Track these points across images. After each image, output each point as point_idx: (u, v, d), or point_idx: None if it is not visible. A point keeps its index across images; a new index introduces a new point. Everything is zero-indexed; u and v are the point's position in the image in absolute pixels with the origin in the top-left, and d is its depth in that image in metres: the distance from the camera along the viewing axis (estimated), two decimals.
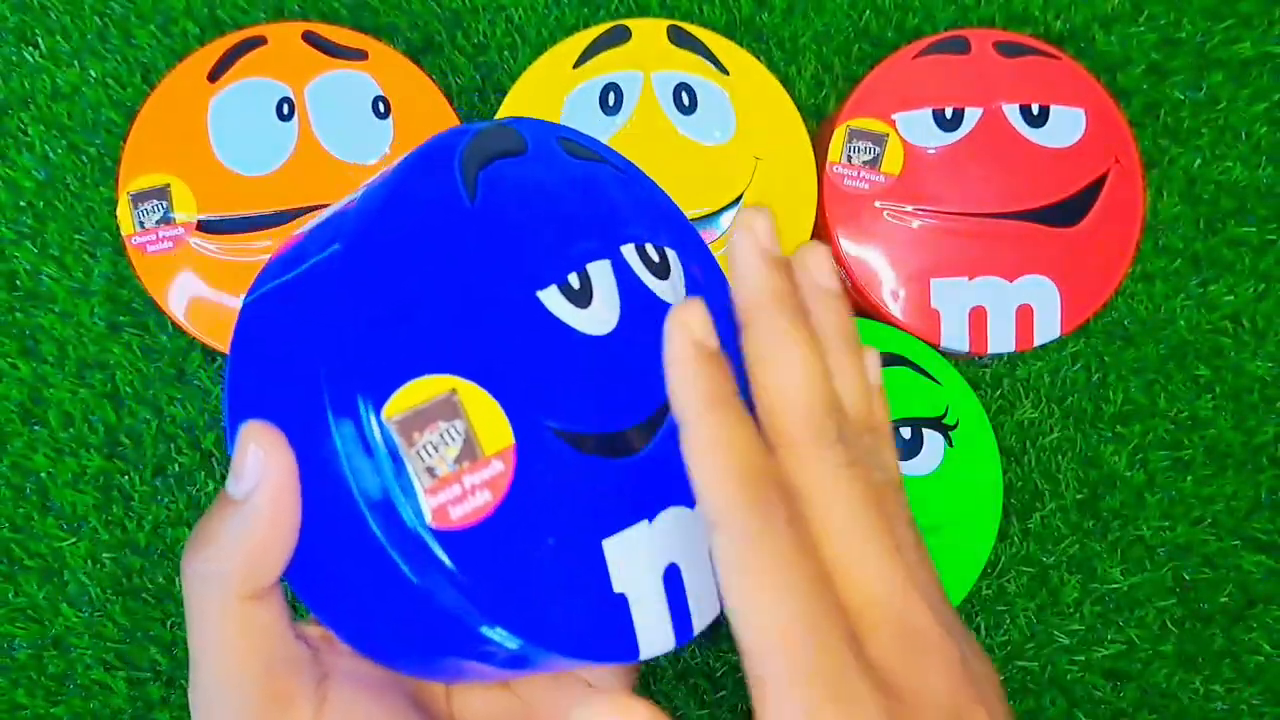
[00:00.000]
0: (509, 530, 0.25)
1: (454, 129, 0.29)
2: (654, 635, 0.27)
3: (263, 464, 0.24)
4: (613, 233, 0.30)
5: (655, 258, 0.31)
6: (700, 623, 0.28)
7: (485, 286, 0.27)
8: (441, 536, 0.24)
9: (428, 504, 0.24)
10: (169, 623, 0.52)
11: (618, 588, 0.27)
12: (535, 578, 0.25)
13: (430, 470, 0.24)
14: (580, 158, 0.31)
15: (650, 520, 0.28)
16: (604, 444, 0.28)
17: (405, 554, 0.24)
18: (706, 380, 0.25)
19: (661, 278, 0.31)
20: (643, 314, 0.30)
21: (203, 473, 0.52)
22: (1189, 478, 0.54)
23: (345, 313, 0.24)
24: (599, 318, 0.29)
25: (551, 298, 0.28)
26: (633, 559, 0.27)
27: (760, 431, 0.26)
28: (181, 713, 0.52)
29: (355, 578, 0.25)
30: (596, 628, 0.26)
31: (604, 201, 0.31)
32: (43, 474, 0.52)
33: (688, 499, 0.29)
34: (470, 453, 0.25)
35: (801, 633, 0.23)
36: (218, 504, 0.26)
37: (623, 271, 0.30)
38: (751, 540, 0.24)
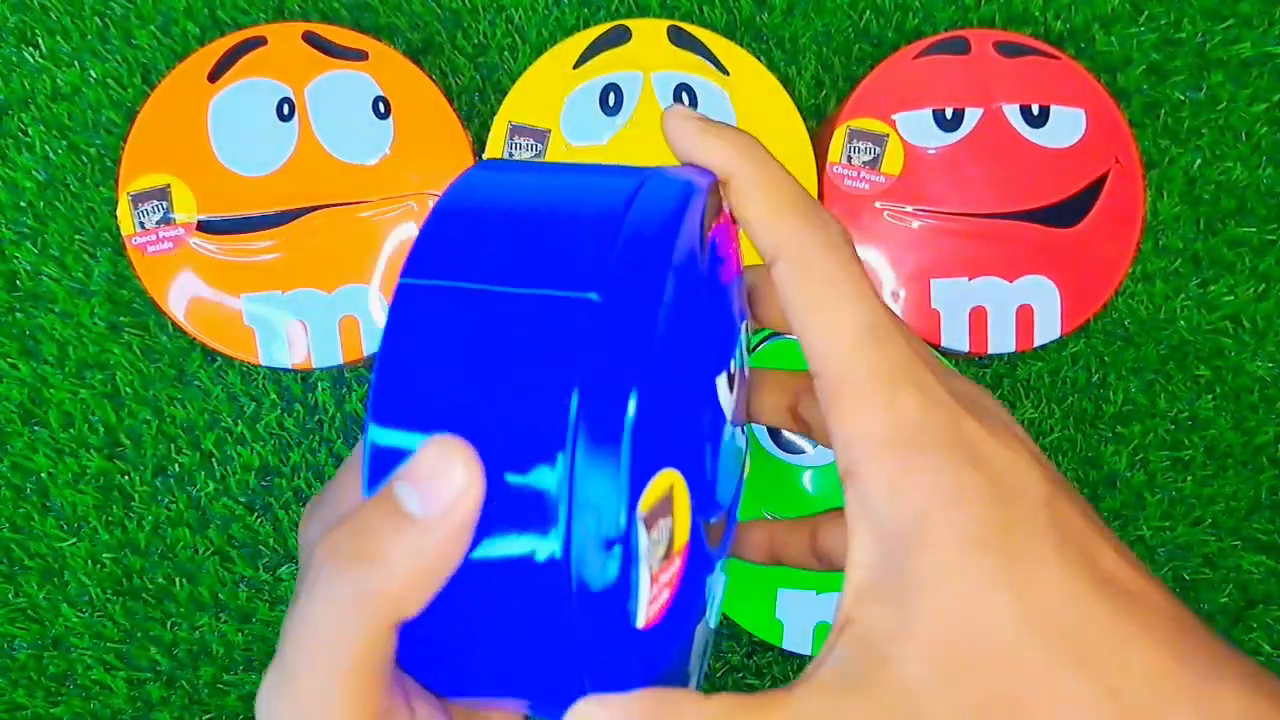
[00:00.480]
0: (666, 626, 0.24)
1: (681, 171, 0.26)
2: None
3: (461, 491, 0.22)
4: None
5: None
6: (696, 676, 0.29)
7: (697, 367, 0.25)
8: (638, 636, 0.23)
9: (645, 605, 0.23)
10: (169, 623, 0.52)
11: (690, 667, 0.27)
12: (668, 666, 0.25)
13: (650, 571, 0.23)
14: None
15: (707, 599, 0.29)
16: (710, 529, 0.28)
17: (600, 648, 0.22)
18: (736, 136, 0.27)
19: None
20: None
21: (203, 473, 0.52)
22: (1189, 478, 0.54)
23: (610, 381, 0.22)
24: (731, 404, 0.28)
25: (722, 385, 0.27)
26: (699, 637, 0.27)
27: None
28: (181, 713, 0.52)
29: (501, 646, 0.23)
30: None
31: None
32: (43, 474, 0.52)
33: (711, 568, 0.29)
34: (669, 550, 0.24)
35: (874, 332, 0.24)
36: (386, 516, 0.22)
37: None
38: (818, 254, 0.25)
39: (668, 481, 0.23)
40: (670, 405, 0.23)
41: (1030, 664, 0.22)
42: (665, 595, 0.24)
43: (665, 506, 0.23)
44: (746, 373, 0.31)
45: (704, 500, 0.26)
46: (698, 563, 0.26)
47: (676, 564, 0.24)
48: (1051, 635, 0.22)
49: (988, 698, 0.22)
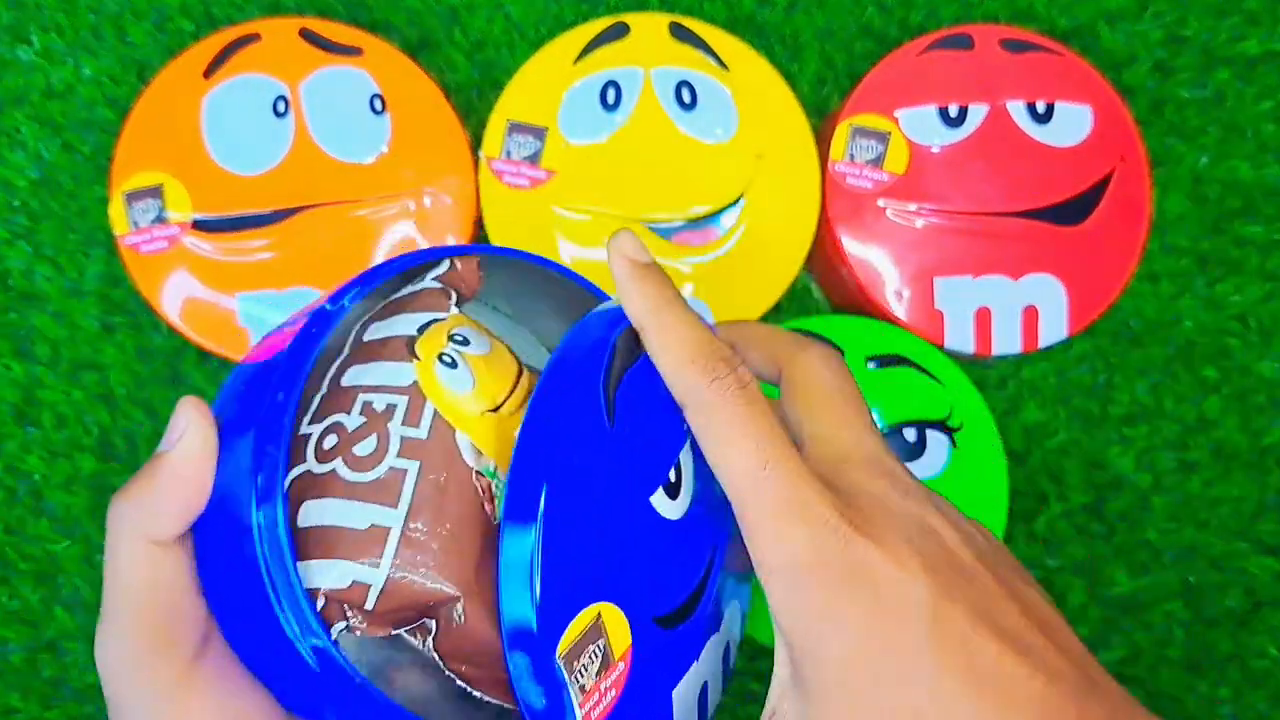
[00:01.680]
0: (621, 714, 0.28)
1: (589, 325, 0.31)
2: None
3: (188, 425, 0.29)
4: (679, 419, 0.31)
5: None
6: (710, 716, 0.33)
7: (618, 504, 0.29)
8: None
9: (582, 714, 0.27)
10: None
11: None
12: None
13: (582, 688, 0.27)
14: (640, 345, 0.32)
15: (698, 659, 0.32)
16: (679, 614, 0.31)
17: None
18: (651, 287, 0.31)
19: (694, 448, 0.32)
20: (703, 487, 0.32)
21: None
22: (1195, 480, 0.54)
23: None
24: (682, 503, 0.31)
25: (659, 499, 0.31)
26: (683, 696, 0.31)
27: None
28: None
29: None
30: None
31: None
32: (36, 476, 0.52)
33: (717, 628, 0.33)
34: (606, 663, 0.28)
35: (761, 472, 0.28)
36: (150, 460, 0.30)
37: (687, 452, 0.32)
38: (714, 404, 0.28)
39: (590, 617, 0.27)
40: (594, 548, 0.27)
41: None
42: (611, 695, 0.28)
43: (594, 634, 0.27)
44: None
45: (660, 594, 0.30)
46: (661, 642, 0.30)
47: (622, 666, 0.28)
48: None
49: None
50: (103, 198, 0.52)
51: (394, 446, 0.28)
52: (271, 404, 0.28)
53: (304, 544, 0.28)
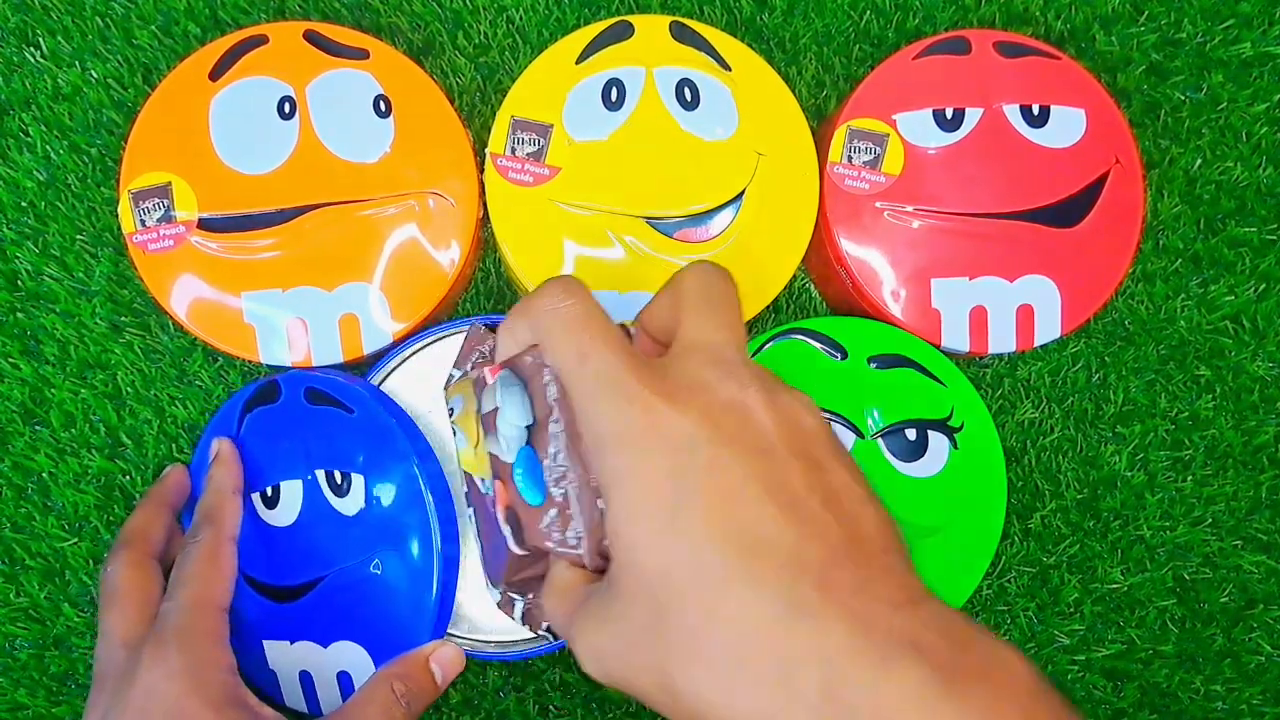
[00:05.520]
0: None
1: (243, 388, 0.51)
2: (294, 699, 0.47)
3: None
4: (311, 461, 0.47)
5: (339, 481, 0.46)
6: (326, 709, 0.47)
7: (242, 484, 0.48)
8: None
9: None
10: None
11: (270, 666, 0.47)
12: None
13: None
14: (316, 404, 0.47)
15: (324, 646, 0.47)
16: (272, 591, 0.47)
17: None
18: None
19: (340, 496, 0.46)
20: (319, 517, 0.47)
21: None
22: (1189, 478, 0.54)
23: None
24: (281, 517, 0.47)
25: (256, 500, 0.48)
26: (280, 656, 0.47)
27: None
28: None
29: None
30: (265, 679, 0.48)
31: (316, 437, 0.47)
32: (44, 474, 0.52)
33: (353, 636, 0.47)
34: None
35: (584, 364, 0.32)
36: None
37: (311, 488, 0.47)
38: (547, 327, 0.34)
39: None
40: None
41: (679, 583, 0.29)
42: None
43: None
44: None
45: (249, 563, 0.48)
46: (255, 600, 0.48)
47: None
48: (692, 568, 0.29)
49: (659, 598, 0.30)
50: (110, 199, 0.53)
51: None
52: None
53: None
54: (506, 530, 0.37)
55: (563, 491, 0.35)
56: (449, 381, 0.41)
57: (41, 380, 0.52)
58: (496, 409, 0.36)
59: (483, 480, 0.38)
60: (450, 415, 0.40)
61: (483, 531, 0.40)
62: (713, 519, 0.29)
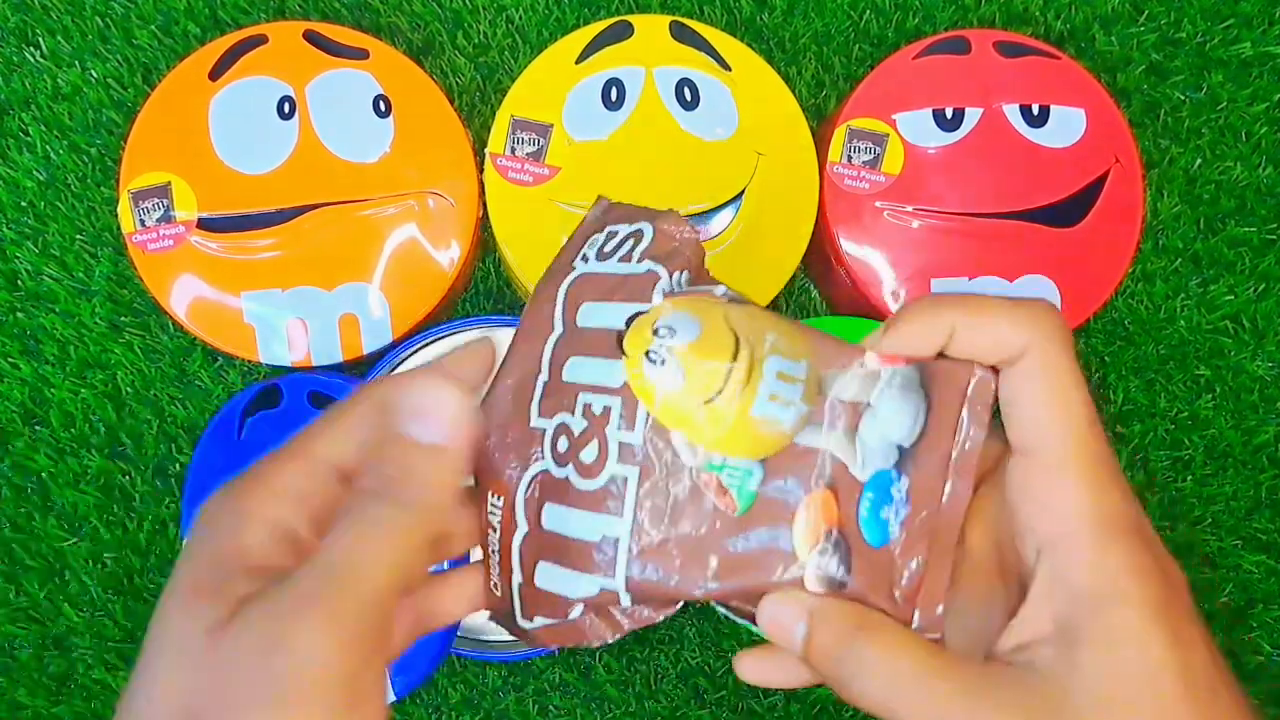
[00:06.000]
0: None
1: (243, 391, 0.49)
2: None
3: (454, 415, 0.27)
4: None
5: None
6: None
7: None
8: None
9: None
10: None
11: None
12: None
13: None
14: (320, 408, 0.46)
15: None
16: None
17: None
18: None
19: None
20: None
21: None
22: (1189, 478, 0.54)
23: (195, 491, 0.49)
24: None
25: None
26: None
27: None
28: None
29: None
30: None
31: None
32: (44, 474, 0.52)
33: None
34: None
35: (1094, 429, 0.29)
36: (399, 446, 0.26)
37: None
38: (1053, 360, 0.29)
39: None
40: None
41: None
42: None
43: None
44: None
45: None
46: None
47: None
48: (1202, 704, 0.27)
49: None
50: (110, 199, 0.53)
51: (613, 453, 0.29)
52: None
53: (546, 545, 0.29)
54: (829, 555, 0.28)
55: (906, 557, 0.28)
56: (650, 291, 0.30)
57: (41, 380, 0.53)
58: (868, 405, 0.29)
59: (703, 451, 0.29)
60: (656, 334, 0.29)
61: (653, 506, 0.29)
62: (1209, 650, 0.28)
